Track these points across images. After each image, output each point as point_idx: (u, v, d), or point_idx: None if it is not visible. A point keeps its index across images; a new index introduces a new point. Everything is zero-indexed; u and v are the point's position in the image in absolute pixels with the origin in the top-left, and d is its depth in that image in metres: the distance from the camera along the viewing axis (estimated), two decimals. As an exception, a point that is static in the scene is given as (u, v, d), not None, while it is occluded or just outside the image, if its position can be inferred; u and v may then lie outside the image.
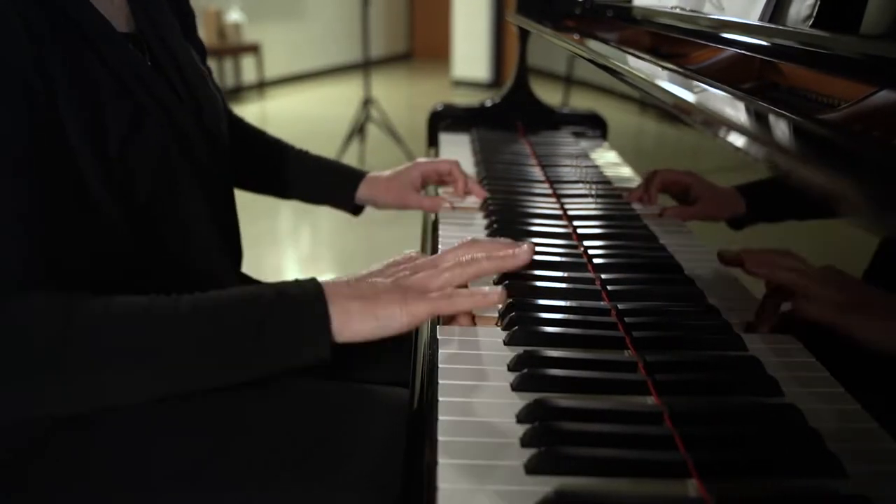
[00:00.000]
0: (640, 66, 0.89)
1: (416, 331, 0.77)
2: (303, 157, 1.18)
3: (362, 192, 1.14)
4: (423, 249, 0.94)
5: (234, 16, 6.46)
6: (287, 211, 3.76)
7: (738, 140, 0.54)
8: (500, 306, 0.73)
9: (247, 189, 1.17)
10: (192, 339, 0.62)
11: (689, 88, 0.72)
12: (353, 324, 0.65)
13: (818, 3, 0.67)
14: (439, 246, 0.90)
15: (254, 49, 6.66)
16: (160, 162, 0.78)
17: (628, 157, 1.38)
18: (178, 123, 0.81)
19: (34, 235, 0.62)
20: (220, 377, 0.65)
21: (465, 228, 0.97)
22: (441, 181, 1.14)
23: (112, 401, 0.63)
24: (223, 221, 0.92)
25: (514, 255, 0.71)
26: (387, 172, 1.14)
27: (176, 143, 0.81)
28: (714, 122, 0.61)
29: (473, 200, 1.10)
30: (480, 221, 0.99)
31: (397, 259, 0.75)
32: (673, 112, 0.69)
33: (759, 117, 0.59)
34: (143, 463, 0.76)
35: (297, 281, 0.67)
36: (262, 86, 6.87)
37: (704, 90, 0.69)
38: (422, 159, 1.13)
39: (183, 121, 0.82)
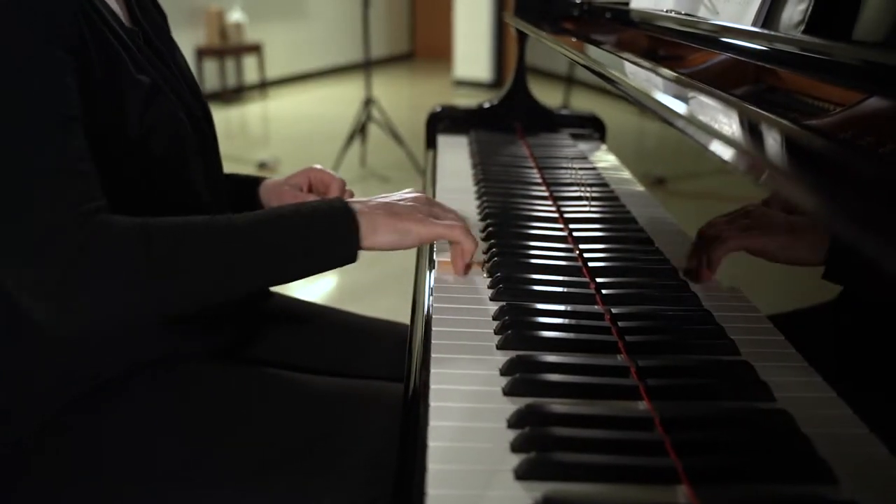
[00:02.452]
0: (634, 71, 0.89)
1: (411, 331, 0.77)
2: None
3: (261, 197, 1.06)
4: (419, 258, 0.94)
5: (235, 16, 6.47)
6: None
7: (726, 153, 0.54)
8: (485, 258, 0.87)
9: None
10: (252, 244, 0.71)
11: (683, 94, 0.72)
12: (377, 234, 0.76)
13: (810, 8, 0.67)
14: (435, 249, 0.90)
15: (255, 49, 6.66)
16: (172, 135, 0.81)
17: (629, 158, 1.38)
18: (184, 101, 0.86)
19: (93, 171, 0.68)
20: (271, 275, 0.75)
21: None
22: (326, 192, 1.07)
23: (188, 302, 0.70)
24: (219, 193, 0.94)
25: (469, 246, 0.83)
26: (279, 180, 1.07)
27: (185, 117, 0.84)
28: (705, 133, 0.61)
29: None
30: (477, 224, 0.99)
31: (408, 192, 0.86)
32: (668, 121, 0.69)
33: (750, 128, 0.59)
34: (143, 457, 0.77)
35: (326, 200, 0.80)
36: (263, 86, 6.87)
37: (696, 98, 0.69)
38: (317, 166, 1.07)
39: (186, 99, 0.87)
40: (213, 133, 0.94)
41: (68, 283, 0.64)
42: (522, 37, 1.62)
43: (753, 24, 0.77)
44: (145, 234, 0.67)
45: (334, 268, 0.76)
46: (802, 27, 0.68)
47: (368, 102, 4.41)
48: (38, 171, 0.65)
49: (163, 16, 0.96)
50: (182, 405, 0.81)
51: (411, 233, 0.78)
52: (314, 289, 2.84)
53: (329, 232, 0.74)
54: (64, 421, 0.78)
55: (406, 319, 1.02)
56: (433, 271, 0.84)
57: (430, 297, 0.78)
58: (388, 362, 1.01)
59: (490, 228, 0.96)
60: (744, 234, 0.80)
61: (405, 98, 7.09)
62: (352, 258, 0.76)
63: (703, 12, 0.93)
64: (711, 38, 0.88)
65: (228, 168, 1.00)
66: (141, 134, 0.77)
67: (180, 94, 0.86)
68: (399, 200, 0.82)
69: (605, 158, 1.41)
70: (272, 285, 0.77)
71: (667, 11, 1.04)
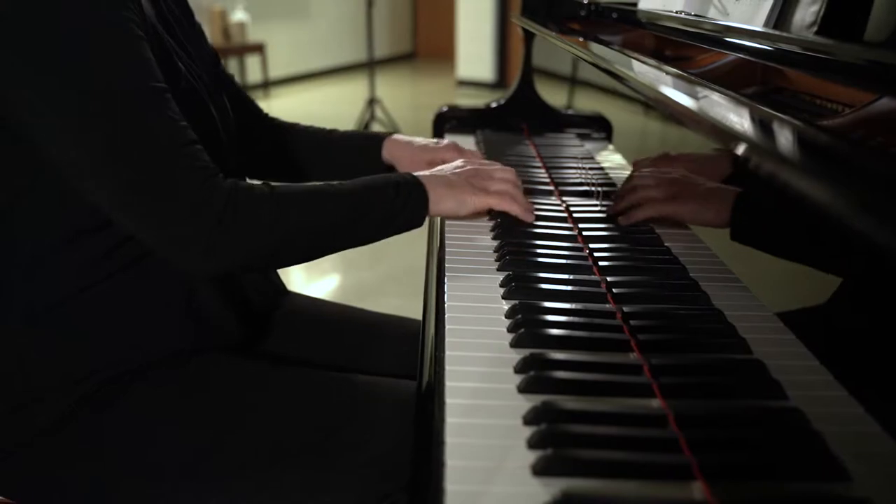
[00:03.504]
0: (643, 70, 0.89)
1: (423, 328, 0.77)
2: (321, 137, 1.20)
3: (387, 153, 1.17)
4: (429, 252, 0.95)
5: (238, 15, 6.47)
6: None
7: (739, 148, 0.54)
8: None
9: (274, 179, 1.17)
10: (352, 209, 0.84)
11: (692, 93, 0.72)
12: (440, 203, 0.91)
13: (823, 9, 0.68)
14: (445, 249, 0.90)
15: (258, 49, 6.67)
16: (203, 117, 0.85)
17: (632, 157, 1.38)
18: (217, 103, 0.90)
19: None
20: (363, 236, 0.86)
21: (471, 230, 0.97)
22: None
23: (298, 254, 0.84)
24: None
25: (527, 215, 0.98)
26: (415, 141, 1.17)
27: (218, 118, 0.89)
28: (715, 130, 0.62)
29: None
30: (486, 224, 1.00)
31: (459, 162, 0.99)
32: (677, 118, 0.70)
33: (760, 124, 0.59)
34: (155, 449, 0.78)
35: (399, 174, 0.91)
36: (266, 85, 6.88)
37: (706, 96, 0.69)
38: (447, 141, 1.18)
39: (217, 102, 0.91)
40: (231, 134, 0.97)
41: (218, 239, 0.74)
42: (529, 37, 1.63)
43: (765, 26, 0.78)
44: (273, 196, 0.78)
45: (405, 231, 0.89)
46: (815, 28, 0.68)
47: (372, 102, 4.42)
48: (170, 144, 0.73)
49: (186, 12, 0.98)
50: (194, 399, 0.82)
51: (467, 203, 0.92)
52: (318, 287, 2.85)
53: (409, 202, 0.87)
54: (75, 415, 0.78)
55: (416, 318, 1.03)
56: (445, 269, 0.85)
57: (443, 296, 0.78)
58: (397, 357, 1.01)
59: (500, 228, 0.96)
60: (667, 203, 0.97)
61: (408, 98, 7.10)
62: (421, 223, 0.90)
63: (712, 13, 0.94)
64: (718, 38, 0.88)
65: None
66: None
67: (207, 86, 0.89)
68: (454, 171, 0.95)
69: (611, 158, 1.42)
70: (361, 244, 0.87)
71: (675, 12, 1.04)
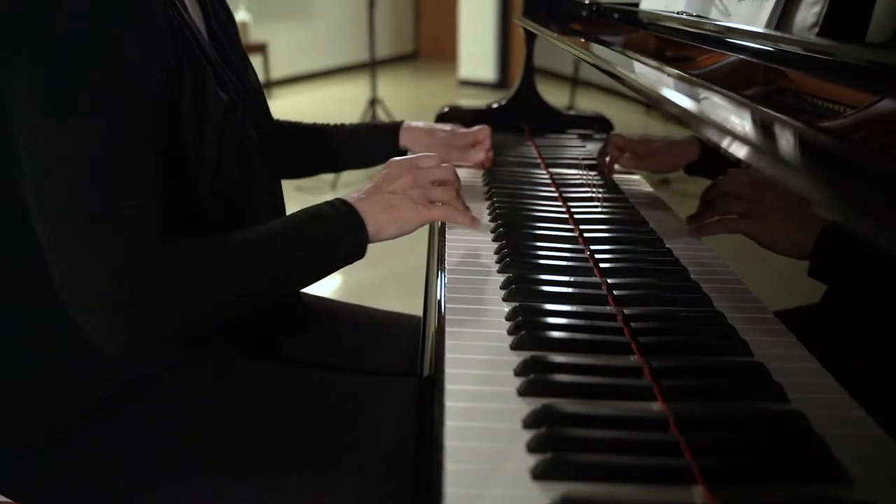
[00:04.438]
0: (644, 71, 0.89)
1: (424, 331, 0.77)
2: (339, 131, 1.25)
3: (403, 141, 1.24)
4: (430, 253, 0.94)
5: (240, 15, 6.47)
6: (293, 210, 3.77)
7: (740, 151, 0.54)
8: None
9: (301, 176, 1.28)
10: (277, 257, 0.77)
11: (693, 94, 0.72)
12: (381, 231, 0.84)
13: (824, 11, 0.68)
14: (446, 251, 0.90)
15: (260, 49, 6.67)
16: (244, 151, 0.84)
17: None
18: (255, 118, 0.89)
19: (164, 197, 0.72)
20: (295, 283, 0.80)
21: (472, 239, 0.97)
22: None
23: (229, 313, 0.77)
24: (273, 193, 0.97)
25: (473, 223, 0.94)
26: (424, 126, 1.25)
27: (256, 136, 0.87)
28: (716, 132, 0.61)
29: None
30: (486, 224, 0.99)
31: (394, 170, 0.90)
32: (678, 119, 0.70)
33: (762, 125, 0.59)
34: (161, 452, 0.78)
35: (333, 204, 0.83)
36: (268, 85, 6.88)
37: (707, 98, 0.69)
38: (459, 129, 1.27)
39: (257, 116, 0.90)
40: (274, 152, 0.97)
41: (135, 319, 0.68)
42: (531, 38, 1.62)
43: (766, 27, 0.77)
44: (202, 255, 0.73)
45: (347, 264, 0.83)
46: (816, 29, 0.68)
47: (373, 102, 4.42)
48: (112, 204, 0.67)
49: (234, 25, 0.99)
50: (199, 401, 0.82)
51: (409, 221, 0.85)
52: (319, 289, 2.84)
53: (346, 236, 0.81)
54: (82, 419, 0.78)
55: (415, 315, 1.03)
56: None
57: (443, 298, 0.78)
58: (401, 353, 1.01)
59: (501, 229, 0.96)
60: (746, 221, 0.86)
61: (410, 98, 7.09)
62: (362, 254, 0.83)
63: (714, 14, 0.93)
64: (719, 39, 0.88)
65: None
66: (217, 151, 0.79)
67: (253, 111, 0.88)
68: (394, 187, 0.87)
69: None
70: (295, 290, 0.82)
71: (677, 13, 1.04)
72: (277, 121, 1.19)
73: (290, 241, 0.79)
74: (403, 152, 1.23)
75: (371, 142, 1.25)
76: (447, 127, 1.27)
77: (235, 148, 0.82)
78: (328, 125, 1.26)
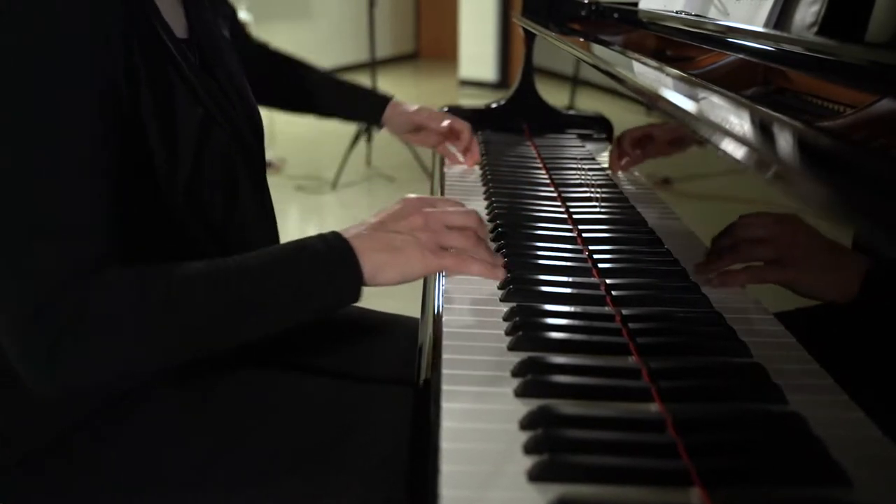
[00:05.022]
0: (643, 71, 0.88)
1: (421, 332, 0.77)
2: (329, 77, 1.32)
3: (387, 112, 1.31)
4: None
5: (241, 15, 6.46)
6: (294, 210, 3.77)
7: (738, 151, 0.54)
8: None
9: (280, 108, 1.31)
10: (258, 293, 0.69)
11: (693, 94, 0.71)
12: (379, 274, 0.73)
13: (823, 10, 0.67)
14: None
15: (261, 49, 6.67)
16: (225, 169, 0.80)
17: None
18: (238, 132, 0.83)
19: (110, 220, 0.65)
20: (275, 322, 0.71)
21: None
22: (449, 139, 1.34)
23: (189, 353, 0.69)
24: (270, 223, 0.94)
25: (493, 272, 0.80)
26: (413, 107, 1.33)
27: (239, 151, 0.82)
28: (715, 133, 0.61)
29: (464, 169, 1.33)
30: (486, 224, 0.99)
31: (405, 208, 0.80)
32: (677, 120, 0.69)
33: (761, 126, 0.59)
34: (156, 462, 0.77)
35: (324, 238, 0.73)
36: (268, 85, 6.87)
37: (706, 98, 0.69)
38: (442, 115, 1.34)
39: (241, 128, 0.84)
40: (262, 151, 0.92)
41: (63, 351, 0.61)
42: (530, 37, 1.62)
43: (766, 26, 0.77)
44: (142, 288, 0.64)
45: (332, 311, 0.75)
46: (816, 29, 0.68)
47: (374, 102, 4.41)
48: (39, 228, 0.61)
49: (229, 19, 0.95)
50: (193, 410, 0.81)
51: (414, 269, 0.75)
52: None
53: (335, 278, 0.72)
54: (80, 428, 0.78)
55: (412, 317, 1.02)
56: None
57: (440, 299, 0.78)
58: (398, 356, 1.00)
59: (499, 229, 0.96)
60: (776, 269, 0.77)
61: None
62: (355, 300, 0.74)
63: (713, 14, 0.93)
64: (719, 38, 0.88)
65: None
66: (192, 167, 0.75)
67: (233, 120, 0.82)
68: (401, 227, 0.77)
69: (612, 159, 1.41)
70: (276, 330, 0.73)
71: (676, 13, 1.04)
72: (256, 44, 1.24)
73: (259, 278, 0.69)
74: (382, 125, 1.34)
75: (357, 95, 1.32)
76: (427, 111, 1.34)
77: (216, 165, 0.77)
78: (318, 71, 1.34)
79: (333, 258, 0.72)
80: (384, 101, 1.32)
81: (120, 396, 0.79)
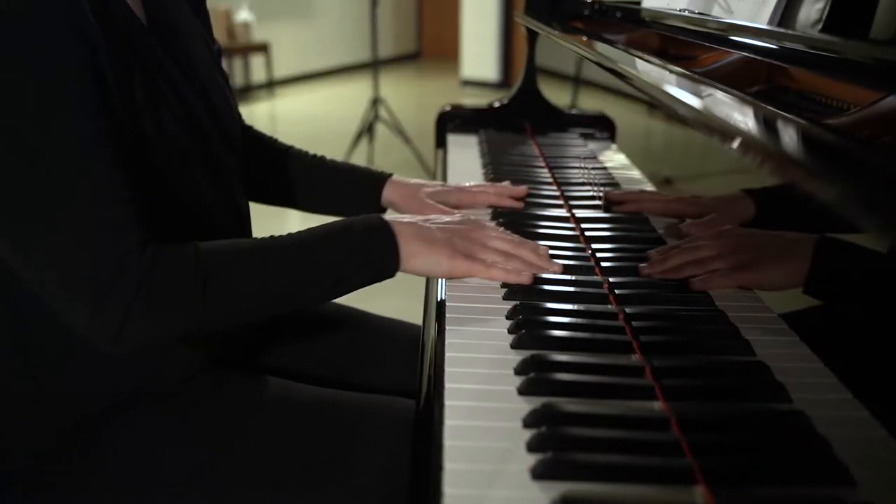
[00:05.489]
0: (647, 69, 0.88)
1: (424, 329, 0.77)
2: (318, 163, 1.13)
3: (386, 196, 1.09)
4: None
5: (243, 15, 6.47)
6: (296, 212, 3.77)
7: (744, 148, 0.54)
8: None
9: (261, 200, 1.12)
10: (299, 267, 0.74)
11: (697, 92, 0.71)
12: (410, 261, 0.78)
13: (828, 7, 0.67)
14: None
15: (263, 48, 6.67)
16: (174, 149, 0.78)
17: (636, 157, 1.37)
18: (193, 114, 0.82)
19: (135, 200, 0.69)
20: (314, 296, 0.77)
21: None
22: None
23: (236, 321, 0.74)
24: (234, 213, 0.90)
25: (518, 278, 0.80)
26: (412, 182, 1.10)
27: (189, 132, 0.80)
28: (719, 130, 0.61)
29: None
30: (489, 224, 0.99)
31: (461, 219, 0.86)
32: (681, 117, 0.69)
33: (766, 123, 0.59)
34: (150, 474, 0.76)
35: (367, 219, 0.79)
36: (271, 85, 6.88)
37: (711, 95, 0.69)
38: (450, 186, 1.10)
39: (196, 111, 0.82)
40: (233, 150, 0.90)
41: (129, 321, 0.66)
42: (532, 37, 1.62)
43: (769, 24, 0.77)
44: (198, 263, 0.69)
45: (369, 285, 0.78)
46: (820, 26, 0.68)
47: (376, 102, 4.41)
48: (83, 213, 0.64)
49: (199, 18, 0.92)
50: (189, 421, 0.80)
51: (441, 265, 0.79)
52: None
53: (375, 257, 0.77)
54: (72, 442, 0.77)
55: (415, 319, 1.02)
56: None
57: (444, 296, 0.78)
58: (400, 363, 1.00)
59: (502, 228, 0.96)
60: (737, 273, 0.80)
61: (412, 98, 7.09)
62: (391, 275, 0.79)
63: (717, 12, 0.93)
64: (722, 37, 0.88)
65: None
66: (138, 147, 0.74)
67: (189, 105, 0.81)
68: (441, 226, 0.82)
69: (615, 158, 1.41)
70: (313, 305, 0.79)
71: (679, 11, 1.03)
72: (251, 132, 1.11)
73: (307, 248, 0.75)
74: (383, 210, 1.10)
75: (351, 187, 1.11)
76: (438, 184, 1.12)
77: (162, 142, 0.75)
78: (305, 154, 1.13)
79: (375, 237, 0.77)
80: (381, 181, 1.10)
81: (118, 403, 0.79)
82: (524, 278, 0.79)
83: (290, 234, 0.76)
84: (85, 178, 0.65)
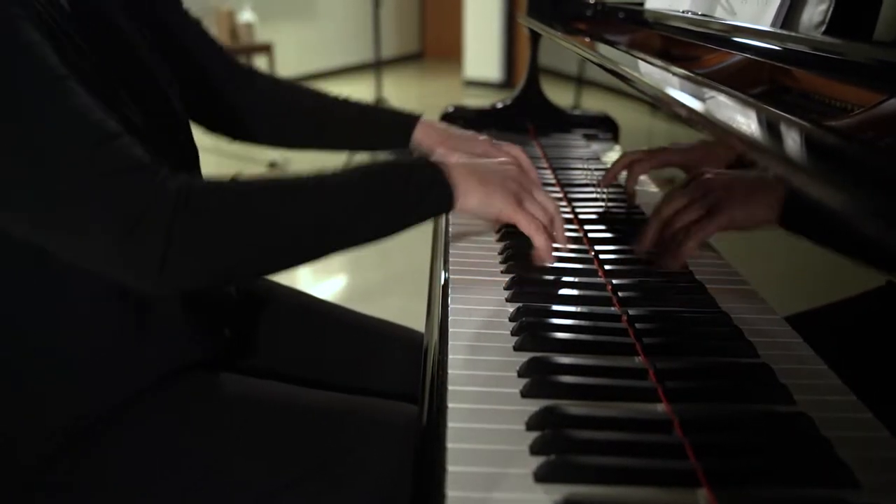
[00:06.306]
0: (649, 71, 0.88)
1: (427, 331, 0.77)
2: (345, 104, 1.11)
3: (416, 137, 1.08)
4: (434, 254, 0.94)
5: (246, 16, 6.48)
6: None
7: (746, 150, 0.54)
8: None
9: (294, 146, 1.12)
10: (349, 201, 0.71)
11: (699, 94, 0.71)
12: (464, 197, 0.77)
13: (831, 9, 0.67)
14: (450, 251, 0.90)
15: (266, 49, 6.67)
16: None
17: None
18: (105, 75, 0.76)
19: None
20: (366, 233, 0.73)
21: (477, 231, 0.97)
22: None
23: (283, 260, 0.71)
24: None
25: (549, 254, 0.82)
26: (442, 126, 1.09)
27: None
28: (722, 133, 0.61)
29: None
30: (492, 225, 0.99)
31: (506, 159, 0.86)
32: (684, 118, 0.69)
33: (768, 125, 0.59)
34: (142, 485, 0.75)
35: (413, 159, 0.77)
36: (273, 86, 6.88)
37: (713, 97, 0.69)
38: (481, 136, 1.07)
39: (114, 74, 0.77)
40: (174, 132, 0.86)
41: (171, 254, 0.62)
42: (535, 37, 1.62)
43: (772, 26, 0.77)
44: (238, 188, 0.66)
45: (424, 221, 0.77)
46: (823, 28, 0.68)
47: (379, 102, 4.42)
48: (83, 143, 0.61)
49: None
50: (189, 424, 0.79)
51: (494, 205, 0.78)
52: (323, 288, 2.84)
53: (427, 197, 0.75)
54: (69, 450, 0.76)
55: (417, 319, 1.02)
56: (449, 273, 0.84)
57: (447, 298, 0.78)
58: (401, 368, 0.99)
59: (505, 229, 0.96)
60: (712, 219, 0.81)
61: (415, 98, 7.09)
62: (447, 209, 0.78)
63: (719, 13, 0.93)
64: (725, 38, 0.87)
65: (238, 167, 0.98)
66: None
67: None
68: (496, 167, 0.81)
69: (618, 159, 1.41)
70: (362, 243, 0.74)
71: (682, 12, 1.03)
72: (269, 78, 1.10)
73: (354, 185, 0.71)
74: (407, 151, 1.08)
75: (380, 125, 1.11)
76: (468, 132, 1.10)
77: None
78: (330, 96, 1.11)
79: (426, 176, 0.75)
80: (411, 121, 1.10)
81: (119, 406, 0.79)
82: (549, 257, 0.80)
83: (336, 172, 0.72)
84: (75, 118, 0.61)
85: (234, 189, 0.66)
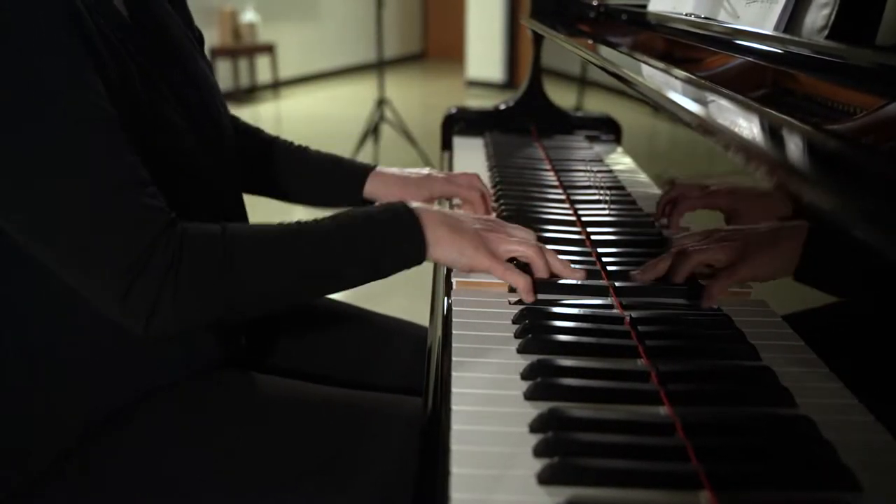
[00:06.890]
0: (652, 73, 0.88)
1: (431, 335, 0.77)
2: (301, 154, 1.11)
3: (369, 188, 1.07)
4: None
5: (248, 16, 6.49)
6: (299, 210, 3.78)
7: (748, 154, 0.54)
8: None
9: (247, 191, 1.08)
10: (324, 253, 0.74)
11: (701, 97, 0.71)
12: (436, 247, 0.78)
13: (834, 13, 0.67)
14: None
15: (268, 49, 6.68)
16: (175, 142, 0.78)
17: (641, 158, 1.38)
18: (188, 105, 0.81)
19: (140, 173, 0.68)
20: (337, 283, 0.77)
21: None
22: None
23: (262, 306, 0.75)
24: (235, 202, 0.90)
25: (530, 294, 0.79)
26: (397, 172, 1.08)
27: (188, 123, 0.80)
28: (723, 135, 0.61)
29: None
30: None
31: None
32: (685, 122, 0.69)
33: (770, 130, 0.59)
34: (151, 479, 0.76)
35: (391, 205, 0.79)
36: (276, 86, 6.89)
37: (715, 101, 0.69)
38: (436, 173, 1.07)
39: (190, 103, 0.82)
40: (222, 130, 0.89)
41: (161, 303, 0.66)
42: (538, 39, 1.62)
43: (775, 29, 0.77)
44: (225, 243, 0.70)
45: (393, 273, 0.79)
46: (826, 32, 0.68)
47: (381, 103, 4.42)
48: (107, 196, 0.65)
49: (180, 14, 0.91)
50: (195, 421, 0.80)
51: (465, 254, 0.78)
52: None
53: (399, 244, 0.77)
54: (80, 450, 0.77)
55: (421, 320, 1.02)
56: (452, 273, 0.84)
57: (450, 300, 0.78)
58: (406, 364, 1.00)
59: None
60: (737, 268, 0.80)
61: (418, 98, 7.10)
62: (418, 263, 0.79)
63: (723, 16, 0.93)
64: (728, 41, 0.88)
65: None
66: (143, 141, 0.72)
67: (185, 98, 0.81)
68: (467, 218, 0.82)
69: (620, 161, 1.41)
70: (336, 291, 0.78)
71: (685, 15, 1.03)
72: (236, 122, 1.07)
73: (333, 235, 0.75)
74: (366, 202, 1.07)
75: (335, 176, 1.09)
76: (423, 171, 1.08)
77: (169, 145, 0.76)
78: (290, 144, 1.11)
79: (402, 224, 0.77)
80: (364, 172, 1.08)
81: (128, 405, 0.79)
82: (530, 297, 0.78)
83: (315, 219, 0.76)
84: (104, 159, 0.65)
85: (224, 247, 0.70)
